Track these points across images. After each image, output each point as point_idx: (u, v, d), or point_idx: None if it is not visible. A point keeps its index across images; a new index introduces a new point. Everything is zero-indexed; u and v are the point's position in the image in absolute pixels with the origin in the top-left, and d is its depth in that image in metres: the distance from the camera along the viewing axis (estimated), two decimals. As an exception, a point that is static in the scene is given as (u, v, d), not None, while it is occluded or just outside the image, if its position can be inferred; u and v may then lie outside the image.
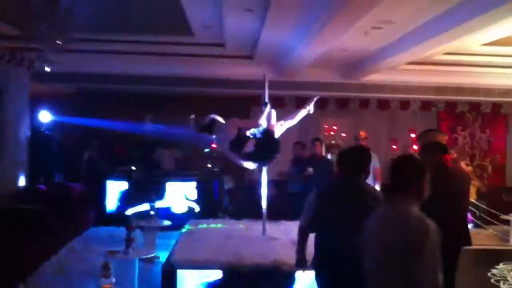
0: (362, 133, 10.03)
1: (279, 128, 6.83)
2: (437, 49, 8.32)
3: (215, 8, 6.97)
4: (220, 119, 6.76)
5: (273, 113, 6.87)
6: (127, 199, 11.00)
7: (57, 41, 5.87)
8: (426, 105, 13.48)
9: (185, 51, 10.13)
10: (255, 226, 7.14)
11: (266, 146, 6.48)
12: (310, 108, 7.06)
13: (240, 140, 6.44)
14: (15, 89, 9.74)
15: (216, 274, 5.42)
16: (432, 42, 7.71)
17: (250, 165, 6.61)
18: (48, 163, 11.58)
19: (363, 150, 4.74)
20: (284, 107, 13.02)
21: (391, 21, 7.18)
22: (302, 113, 7.05)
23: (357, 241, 3.44)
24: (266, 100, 6.89)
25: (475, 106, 13.61)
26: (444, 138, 5.16)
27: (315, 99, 7.15)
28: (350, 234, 3.78)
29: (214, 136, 6.84)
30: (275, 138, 6.63)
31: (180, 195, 11.16)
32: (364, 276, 3.31)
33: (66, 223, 8.86)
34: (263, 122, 6.63)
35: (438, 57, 9.66)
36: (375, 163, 9.20)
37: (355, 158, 4.45)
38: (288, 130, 12.65)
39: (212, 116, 7.45)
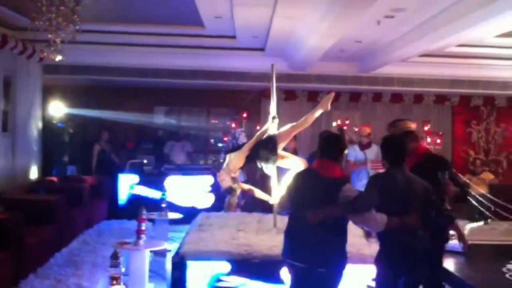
0: (367, 129, 9.83)
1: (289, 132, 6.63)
2: (450, 39, 8.20)
3: (226, -2, 6.93)
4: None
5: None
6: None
7: (66, 31, 5.84)
8: (440, 98, 13.33)
9: (197, 43, 10.12)
10: (266, 219, 7.09)
11: (261, 147, 6.40)
12: (326, 106, 6.68)
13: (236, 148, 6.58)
14: (27, 81, 9.75)
15: (224, 267, 5.38)
16: (444, 31, 7.60)
17: (270, 171, 6.54)
18: (60, 156, 11.61)
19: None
20: (295, 100, 12.99)
21: (403, 9, 7.08)
22: (317, 113, 6.68)
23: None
24: (275, 114, 6.66)
25: (490, 100, 13.44)
26: (414, 126, 5.24)
27: (332, 96, 6.55)
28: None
29: None
30: (269, 138, 6.48)
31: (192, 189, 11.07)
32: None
33: (77, 215, 8.87)
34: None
35: (452, 49, 9.55)
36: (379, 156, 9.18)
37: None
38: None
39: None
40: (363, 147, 9.45)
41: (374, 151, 9.24)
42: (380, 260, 4.26)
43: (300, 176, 4.52)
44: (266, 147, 6.31)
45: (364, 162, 9.13)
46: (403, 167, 4.26)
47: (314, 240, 4.02)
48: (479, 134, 13.71)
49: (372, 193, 4.12)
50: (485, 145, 13.68)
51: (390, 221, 4.03)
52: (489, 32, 8.13)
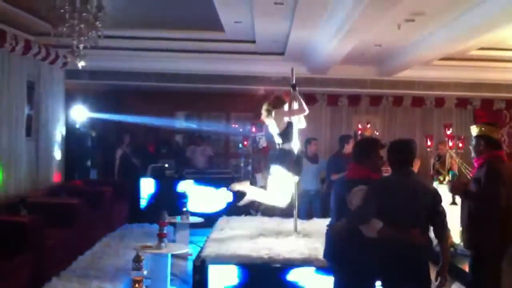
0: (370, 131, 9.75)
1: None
2: (471, 42, 8.14)
3: (245, 2, 6.94)
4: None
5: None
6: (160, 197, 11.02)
7: (89, 37, 5.90)
8: (461, 102, 13.21)
9: (217, 48, 10.15)
10: (287, 224, 7.10)
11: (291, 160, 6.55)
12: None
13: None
14: (50, 86, 9.88)
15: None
16: (465, 34, 7.54)
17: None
18: (82, 160, 11.74)
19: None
20: (314, 104, 12.98)
21: (424, 12, 7.03)
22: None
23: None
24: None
25: (512, 103, 13.31)
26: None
27: None
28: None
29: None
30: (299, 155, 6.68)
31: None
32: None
33: (100, 219, 8.95)
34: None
35: (473, 52, 9.47)
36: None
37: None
38: (320, 128, 12.74)
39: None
40: None
41: None
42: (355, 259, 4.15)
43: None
44: (295, 163, 6.47)
45: None
46: (409, 172, 4.18)
47: (342, 241, 4.23)
48: (502, 138, 13.54)
49: (371, 203, 4.04)
50: (507, 149, 13.51)
51: (384, 230, 4.00)
52: (511, 36, 8.04)
